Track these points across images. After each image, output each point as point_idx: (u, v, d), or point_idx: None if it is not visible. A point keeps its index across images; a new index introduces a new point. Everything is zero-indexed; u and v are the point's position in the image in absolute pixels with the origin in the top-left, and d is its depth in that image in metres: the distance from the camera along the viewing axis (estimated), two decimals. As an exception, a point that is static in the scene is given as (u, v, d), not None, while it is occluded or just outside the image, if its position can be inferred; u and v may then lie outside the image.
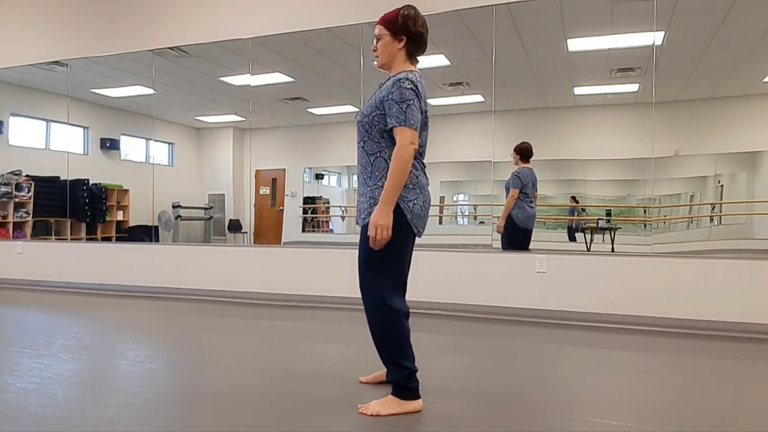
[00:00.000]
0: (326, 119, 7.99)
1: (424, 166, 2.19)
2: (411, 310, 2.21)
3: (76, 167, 6.98)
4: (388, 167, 2.07)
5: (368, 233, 2.02)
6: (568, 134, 6.07)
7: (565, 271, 4.10)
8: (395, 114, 2.01)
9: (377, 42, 2.17)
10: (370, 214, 2.08)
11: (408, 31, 2.13)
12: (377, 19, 2.20)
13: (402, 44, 2.14)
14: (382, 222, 1.98)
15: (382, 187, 2.06)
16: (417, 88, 2.05)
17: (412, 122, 2.01)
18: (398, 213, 2.04)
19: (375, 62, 2.22)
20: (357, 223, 2.20)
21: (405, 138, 2.00)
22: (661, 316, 3.82)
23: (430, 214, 2.18)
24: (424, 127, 2.15)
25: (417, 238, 2.18)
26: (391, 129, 2.05)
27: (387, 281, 2.09)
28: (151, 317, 4.25)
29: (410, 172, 2.04)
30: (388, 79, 2.15)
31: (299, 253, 5.03)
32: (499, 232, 4.60)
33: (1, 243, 6.35)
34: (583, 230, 5.91)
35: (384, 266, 2.09)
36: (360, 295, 2.16)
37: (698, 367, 2.93)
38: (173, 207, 7.91)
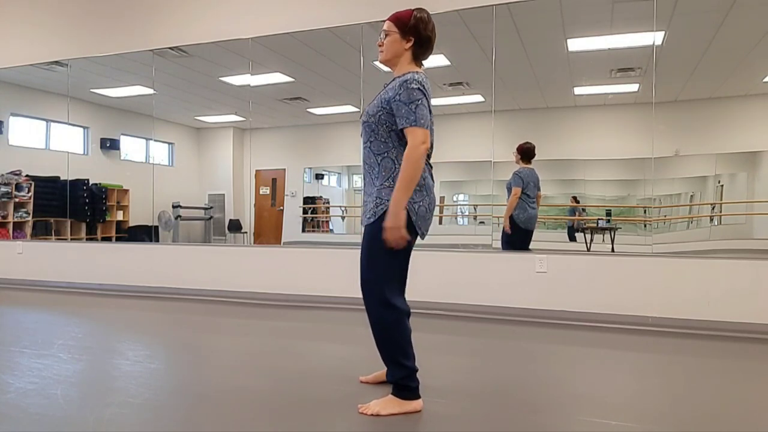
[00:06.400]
0: (326, 119, 8.00)
1: (431, 167, 2.18)
2: (410, 310, 2.20)
3: (76, 167, 6.98)
4: (395, 167, 2.07)
5: (384, 236, 2.00)
6: (568, 134, 6.07)
7: (565, 271, 4.10)
8: (405, 115, 2.01)
9: (385, 37, 2.16)
10: (375, 214, 2.08)
11: (417, 34, 2.13)
12: (377, 19, 2.19)
13: (409, 45, 2.13)
14: (392, 225, 1.98)
15: (389, 187, 2.06)
16: (424, 88, 2.06)
17: (422, 122, 2.01)
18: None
19: (378, 56, 2.21)
20: (362, 224, 2.19)
21: (417, 138, 1.99)
22: (661, 316, 3.82)
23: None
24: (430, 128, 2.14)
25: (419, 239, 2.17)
26: (401, 130, 2.04)
27: (388, 280, 2.09)
28: (151, 317, 4.25)
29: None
30: (393, 80, 2.15)
31: (299, 253, 5.03)
32: (506, 231, 4.57)
33: (1, 243, 6.35)
34: (583, 230, 5.91)
35: (386, 266, 2.09)
36: (360, 295, 2.16)
37: (698, 367, 2.93)
38: (173, 207, 7.91)
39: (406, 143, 2.06)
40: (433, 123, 2.18)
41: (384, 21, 2.21)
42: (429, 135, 2.03)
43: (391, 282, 2.10)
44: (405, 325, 2.12)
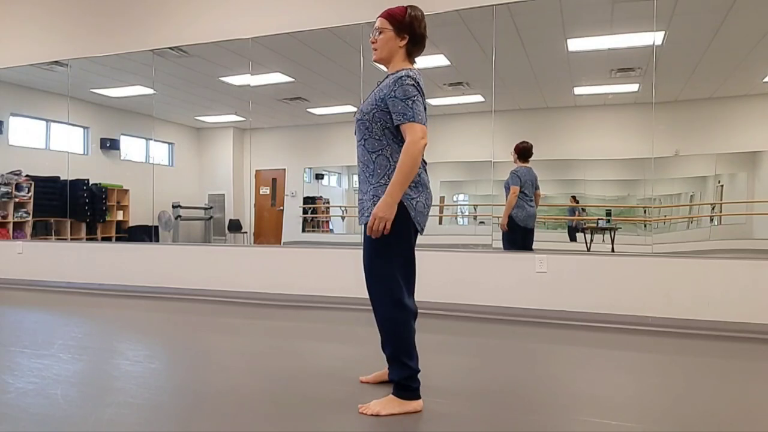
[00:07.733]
0: (326, 119, 7.99)
1: (425, 164, 2.19)
2: (417, 312, 2.20)
3: (76, 167, 6.98)
4: (390, 165, 2.07)
5: (368, 223, 2.01)
6: (568, 134, 6.07)
7: (565, 271, 4.10)
8: (401, 111, 2.01)
9: (378, 35, 2.16)
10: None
11: (412, 31, 2.13)
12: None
13: (404, 42, 2.14)
14: (382, 214, 1.98)
15: (385, 185, 2.06)
16: (419, 85, 2.06)
17: (419, 117, 2.01)
18: (402, 211, 2.03)
19: (373, 55, 2.21)
20: (359, 223, 2.19)
21: (416, 133, 1.99)
22: (661, 316, 3.82)
23: (430, 214, 2.18)
24: None
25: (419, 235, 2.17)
26: (397, 126, 2.04)
27: (395, 279, 2.09)
28: (151, 317, 4.25)
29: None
30: (387, 77, 2.15)
31: (299, 253, 5.03)
32: (502, 229, 4.60)
33: (1, 243, 6.35)
34: (583, 230, 5.90)
35: (391, 264, 2.08)
36: (360, 295, 2.16)
37: (698, 367, 2.93)
38: (173, 207, 7.91)
39: (401, 141, 2.06)
40: (427, 121, 2.18)
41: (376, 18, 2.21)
42: (426, 131, 2.03)
43: (397, 279, 2.09)
44: (411, 326, 2.12)
